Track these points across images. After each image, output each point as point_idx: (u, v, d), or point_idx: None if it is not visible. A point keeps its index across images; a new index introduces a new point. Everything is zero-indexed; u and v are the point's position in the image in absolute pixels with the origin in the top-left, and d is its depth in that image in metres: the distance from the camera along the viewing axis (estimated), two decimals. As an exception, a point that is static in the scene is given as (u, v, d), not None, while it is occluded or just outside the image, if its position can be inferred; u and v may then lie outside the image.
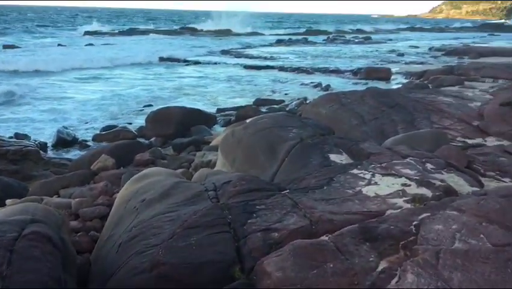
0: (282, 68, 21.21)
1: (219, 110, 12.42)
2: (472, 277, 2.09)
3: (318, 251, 2.45)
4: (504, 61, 17.57)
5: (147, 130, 10.06)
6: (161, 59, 24.69)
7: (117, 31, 48.16)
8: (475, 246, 2.31)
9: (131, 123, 11.02)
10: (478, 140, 5.97)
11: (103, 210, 4.86)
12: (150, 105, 12.87)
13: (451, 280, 2.08)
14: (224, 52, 29.56)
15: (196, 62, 23.78)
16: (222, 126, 10.60)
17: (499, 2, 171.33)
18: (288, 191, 3.51)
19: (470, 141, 5.91)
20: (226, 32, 49.67)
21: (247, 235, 2.76)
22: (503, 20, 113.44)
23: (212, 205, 3.19)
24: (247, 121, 7.33)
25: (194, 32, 50.70)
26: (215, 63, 23.78)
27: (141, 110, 12.39)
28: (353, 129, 6.80)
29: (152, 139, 9.62)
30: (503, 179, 4.19)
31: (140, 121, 10.95)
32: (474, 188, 3.50)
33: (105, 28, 50.57)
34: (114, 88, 15.71)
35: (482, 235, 2.40)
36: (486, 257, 2.19)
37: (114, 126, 10.40)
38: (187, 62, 24.04)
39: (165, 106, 11.62)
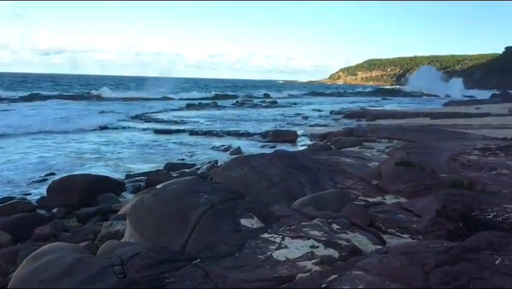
0: (192, 132, 21.30)
1: (128, 176, 12.01)
2: (379, 337, 2.15)
3: (231, 324, 2.39)
4: (396, 123, 19.26)
5: (49, 201, 9.40)
6: (65, 125, 23.51)
7: (17, 96, 45.63)
8: (380, 305, 2.40)
9: (30, 194, 10.26)
10: (378, 198, 6.35)
11: (-6, 294, 4.40)
12: (52, 174, 12.13)
13: None
14: (134, 117, 29.18)
15: (103, 128, 23.05)
16: (131, 193, 10.22)
17: (389, 69, 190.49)
18: (199, 260, 3.44)
19: (370, 200, 6.27)
20: (136, 97, 49.27)
21: (156, 312, 2.63)
22: (393, 86, 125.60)
23: (118, 281, 3.02)
24: (158, 187, 7.20)
25: (101, 97, 49.56)
26: (124, 128, 23.28)
27: (41, 180, 11.63)
28: (263, 191, 6.92)
29: (54, 210, 9.01)
30: (402, 235, 4.46)
31: (41, 191, 10.25)
32: (377, 246, 3.68)
33: (4, 94, 47.72)
34: (11, 157, 14.63)
35: (386, 294, 2.51)
36: (390, 316, 2.27)
37: (11, 198, 9.60)
38: (93, 127, 23.17)
39: (69, 174, 11.03)
